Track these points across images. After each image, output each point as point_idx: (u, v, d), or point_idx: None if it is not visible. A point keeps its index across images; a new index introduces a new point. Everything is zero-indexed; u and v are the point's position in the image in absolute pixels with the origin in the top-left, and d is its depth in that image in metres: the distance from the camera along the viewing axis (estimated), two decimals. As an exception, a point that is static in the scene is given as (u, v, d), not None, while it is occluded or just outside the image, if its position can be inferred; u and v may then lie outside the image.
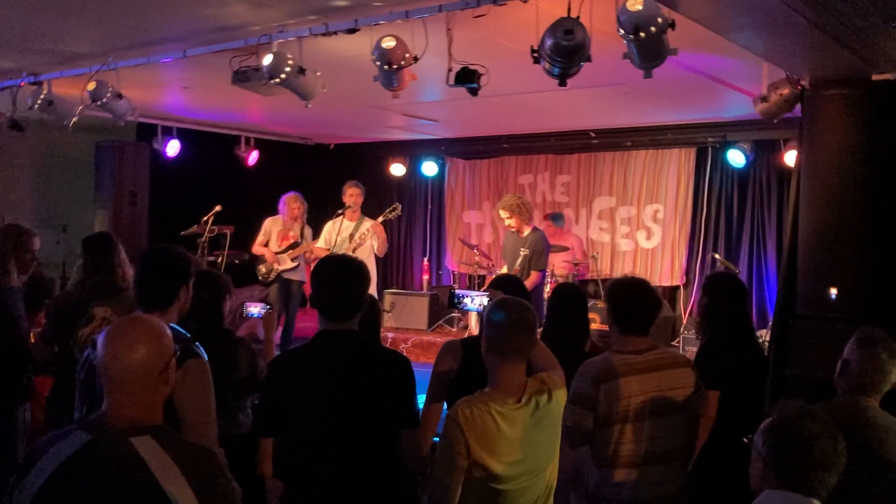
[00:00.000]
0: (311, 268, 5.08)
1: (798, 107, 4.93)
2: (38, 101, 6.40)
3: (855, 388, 2.86)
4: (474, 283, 9.74)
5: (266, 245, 7.82)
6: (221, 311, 3.70)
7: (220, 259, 8.23)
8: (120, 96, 5.98)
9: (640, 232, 9.60)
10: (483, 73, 4.59)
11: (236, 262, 8.50)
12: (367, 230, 7.45)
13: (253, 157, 10.25)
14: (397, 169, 11.05)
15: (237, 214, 8.33)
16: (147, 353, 1.93)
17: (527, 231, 6.95)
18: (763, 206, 8.80)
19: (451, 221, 11.08)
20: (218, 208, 7.92)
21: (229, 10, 4.69)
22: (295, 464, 2.73)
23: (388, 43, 4.47)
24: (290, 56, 4.79)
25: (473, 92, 4.65)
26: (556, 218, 9.46)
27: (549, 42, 3.85)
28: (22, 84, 6.54)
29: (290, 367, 2.84)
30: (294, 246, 7.73)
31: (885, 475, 2.61)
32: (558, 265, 8.85)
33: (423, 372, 3.96)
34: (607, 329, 3.41)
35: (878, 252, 4.52)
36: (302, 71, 4.83)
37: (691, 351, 7.70)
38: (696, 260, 9.19)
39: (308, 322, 8.13)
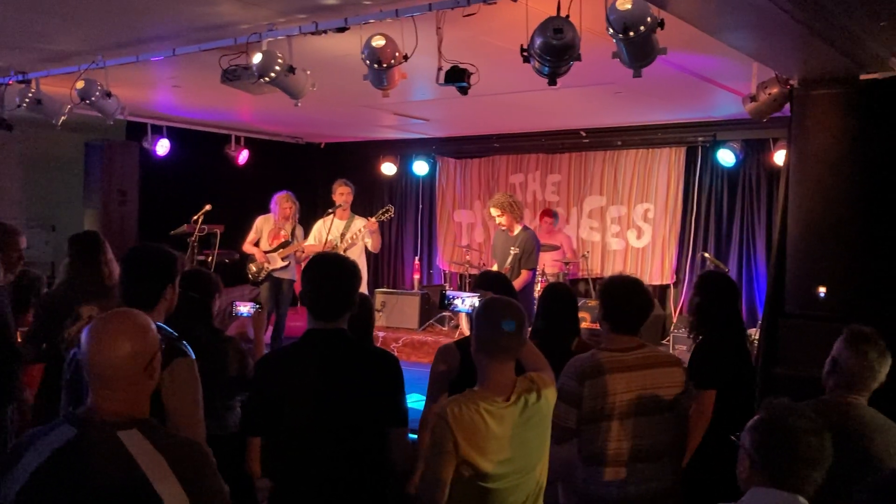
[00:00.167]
0: (302, 267, 5.06)
1: (787, 106, 4.95)
2: (27, 100, 6.37)
3: (843, 386, 2.87)
4: (465, 282, 9.75)
5: (257, 244, 7.80)
6: (210, 311, 3.69)
7: (210, 258, 8.20)
8: (109, 95, 5.95)
9: (631, 231, 9.62)
10: (473, 73, 4.59)
11: (226, 261, 8.48)
12: (360, 230, 7.44)
13: (243, 156, 10.23)
14: (388, 168, 11.05)
15: (227, 214, 8.31)
16: (132, 348, 1.92)
17: (517, 230, 6.96)
18: (753, 206, 8.83)
19: (442, 221, 11.08)
20: (208, 207, 7.89)
21: (219, 8, 4.68)
22: (283, 463, 2.72)
23: (378, 41, 4.47)
24: (279, 55, 4.78)
25: (463, 91, 4.66)
26: (556, 215, 9.52)
27: (538, 41, 3.85)
28: (10, 82, 6.51)
29: (278, 366, 2.83)
30: (285, 245, 7.71)
31: (872, 473, 2.62)
32: (549, 264, 8.87)
33: (413, 371, 3.95)
34: (598, 327, 3.41)
35: (867, 251, 4.54)
36: (291, 70, 4.82)
37: (681, 349, 7.73)
38: (687, 259, 9.22)
39: (299, 321, 8.10)
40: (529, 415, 2.61)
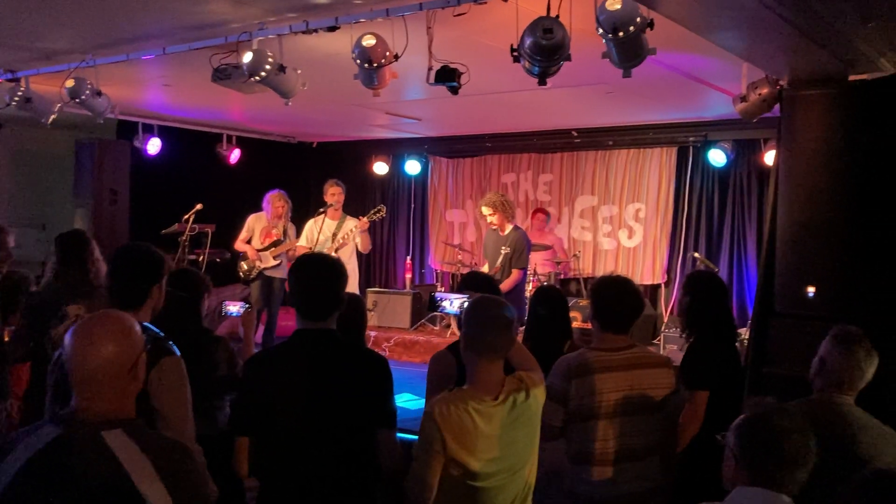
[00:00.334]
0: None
1: (777, 106, 4.96)
2: (16, 98, 6.35)
3: (830, 386, 2.89)
4: (457, 282, 9.74)
5: (249, 242, 7.78)
6: (199, 310, 3.68)
7: (201, 258, 8.18)
8: (99, 93, 5.93)
9: (622, 231, 9.63)
10: (463, 72, 4.60)
11: (217, 260, 8.46)
12: (352, 230, 7.43)
13: (234, 155, 10.20)
14: (380, 167, 11.03)
15: (218, 213, 8.29)
16: (116, 349, 1.91)
17: (508, 229, 6.96)
18: (743, 206, 8.85)
19: (434, 220, 11.07)
20: (199, 206, 7.87)
21: (209, 7, 4.67)
22: (271, 463, 2.72)
23: (369, 41, 4.47)
24: (270, 54, 4.78)
25: (454, 91, 4.66)
26: (548, 215, 9.53)
27: (528, 41, 3.85)
28: (-1, 80, 6.49)
29: (267, 366, 2.83)
30: (276, 244, 7.70)
31: (858, 471, 2.63)
32: (540, 264, 8.87)
33: (403, 371, 3.95)
34: (590, 327, 3.41)
35: (856, 251, 4.55)
36: (282, 69, 4.81)
37: (672, 349, 7.74)
38: (678, 258, 9.24)
39: (291, 321, 8.07)
40: (518, 414, 2.61)
